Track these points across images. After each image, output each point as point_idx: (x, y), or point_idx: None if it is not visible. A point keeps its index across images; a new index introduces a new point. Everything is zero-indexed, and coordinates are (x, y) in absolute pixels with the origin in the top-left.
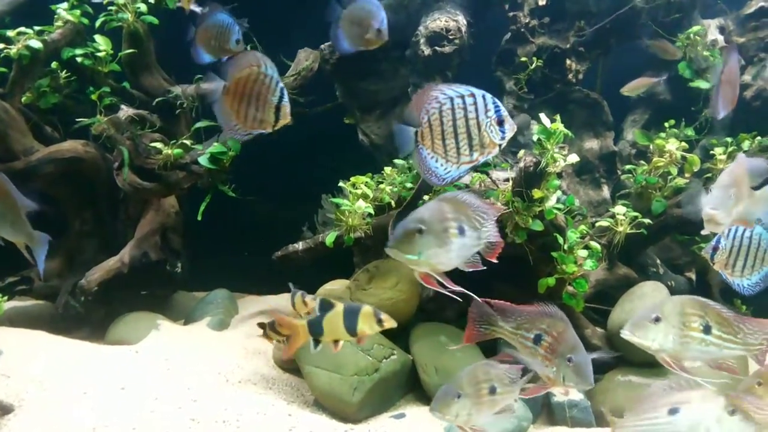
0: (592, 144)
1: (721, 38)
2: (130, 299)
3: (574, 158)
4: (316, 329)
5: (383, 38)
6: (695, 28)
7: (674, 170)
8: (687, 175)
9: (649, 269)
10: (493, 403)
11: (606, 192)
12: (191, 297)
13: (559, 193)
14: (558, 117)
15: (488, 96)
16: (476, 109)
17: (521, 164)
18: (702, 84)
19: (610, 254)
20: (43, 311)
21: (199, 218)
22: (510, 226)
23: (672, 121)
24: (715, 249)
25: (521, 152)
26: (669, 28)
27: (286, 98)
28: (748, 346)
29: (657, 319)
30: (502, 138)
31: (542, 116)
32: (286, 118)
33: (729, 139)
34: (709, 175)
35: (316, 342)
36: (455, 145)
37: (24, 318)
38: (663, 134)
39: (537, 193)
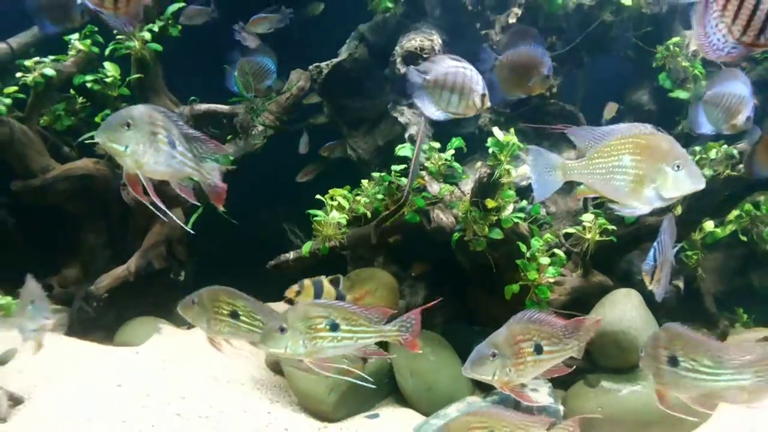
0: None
1: None
2: (137, 305)
3: (524, 170)
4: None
5: (548, 84)
6: (674, 39)
7: None
8: None
9: (634, 277)
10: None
11: (588, 201)
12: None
13: (524, 203)
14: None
15: None
16: None
17: (476, 175)
18: (681, 94)
19: (584, 262)
20: (61, 316)
21: (189, 229)
22: (469, 235)
23: None
24: (654, 266)
25: (478, 164)
26: (649, 39)
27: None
28: (567, 350)
29: (494, 355)
30: None
31: (495, 129)
32: (486, 105)
33: (697, 148)
34: None
35: None
36: None
37: None
38: None
39: (490, 203)
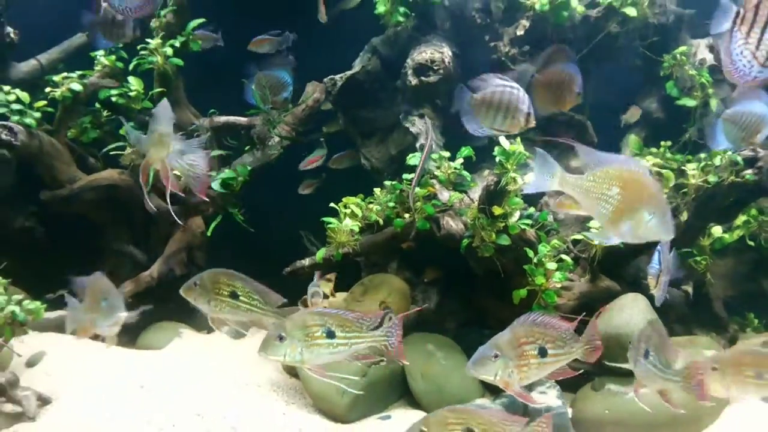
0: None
1: (710, 57)
2: (160, 310)
3: (530, 177)
4: None
5: (579, 100)
6: (681, 49)
7: None
8: (665, 189)
9: (641, 282)
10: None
11: None
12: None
13: (531, 209)
14: (518, 139)
15: None
16: None
17: (483, 183)
18: (688, 102)
19: (591, 267)
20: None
21: (209, 235)
22: (477, 241)
23: (668, 142)
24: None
25: (485, 172)
26: (657, 48)
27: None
28: (572, 353)
29: (496, 356)
30: None
31: (502, 139)
32: (531, 123)
33: (702, 155)
34: (684, 190)
35: None
36: None
37: None
38: (655, 150)
39: (497, 210)
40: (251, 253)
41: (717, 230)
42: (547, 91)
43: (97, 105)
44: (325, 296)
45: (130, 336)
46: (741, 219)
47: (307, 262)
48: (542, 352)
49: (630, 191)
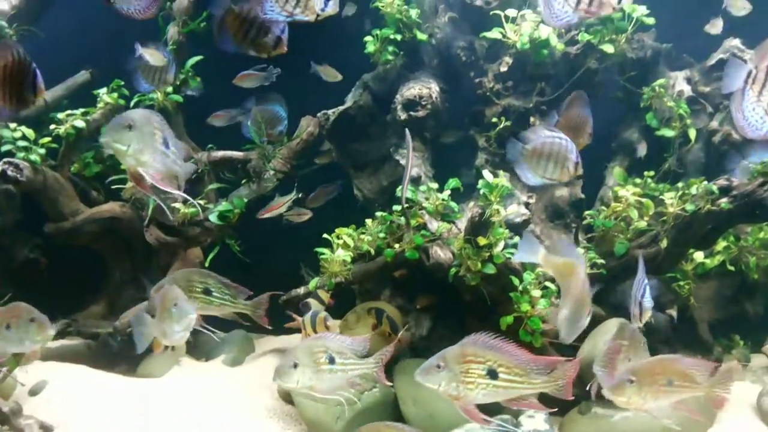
0: (562, 192)
1: (688, 88)
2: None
3: (513, 209)
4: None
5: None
6: (660, 81)
7: (634, 214)
8: (645, 218)
9: (625, 307)
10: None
11: (579, 235)
12: (213, 337)
13: (517, 238)
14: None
15: None
16: None
17: (469, 215)
18: (667, 132)
19: None
20: (87, 349)
21: (207, 265)
22: (464, 270)
23: (651, 172)
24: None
25: (471, 203)
26: (637, 80)
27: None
28: (534, 385)
29: (439, 367)
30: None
31: (485, 172)
32: (579, 171)
33: (680, 184)
34: (663, 218)
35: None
36: None
37: (71, 354)
38: (639, 180)
39: (482, 240)
40: (248, 282)
41: (699, 255)
42: (567, 132)
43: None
44: (322, 302)
45: (130, 364)
46: (721, 245)
47: (302, 290)
48: (492, 374)
49: (566, 279)
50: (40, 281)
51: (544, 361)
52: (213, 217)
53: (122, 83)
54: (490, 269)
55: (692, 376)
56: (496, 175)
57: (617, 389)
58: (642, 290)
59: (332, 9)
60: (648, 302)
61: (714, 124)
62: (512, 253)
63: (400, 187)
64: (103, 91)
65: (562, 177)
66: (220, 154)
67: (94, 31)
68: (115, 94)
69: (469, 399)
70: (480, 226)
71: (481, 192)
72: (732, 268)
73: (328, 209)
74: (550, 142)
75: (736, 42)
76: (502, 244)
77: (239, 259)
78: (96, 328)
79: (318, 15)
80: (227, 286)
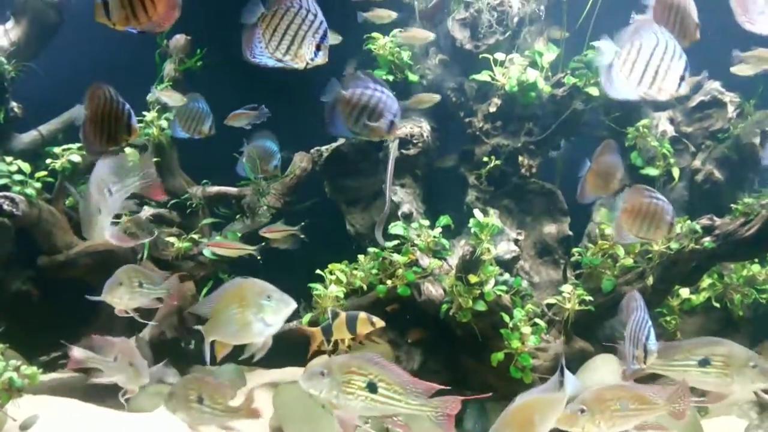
0: (550, 228)
1: (671, 128)
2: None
3: (503, 247)
4: (327, 332)
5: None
6: (644, 122)
7: (621, 251)
8: (632, 255)
9: (616, 342)
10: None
11: (567, 272)
12: (206, 371)
13: (506, 275)
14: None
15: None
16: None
17: (459, 253)
18: (652, 171)
19: (565, 329)
20: (79, 382)
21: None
22: (455, 307)
23: None
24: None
25: (462, 241)
26: (622, 120)
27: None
28: (411, 406)
29: (323, 374)
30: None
31: (476, 211)
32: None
33: None
34: (649, 256)
35: (329, 342)
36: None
37: (63, 388)
38: None
39: (473, 278)
40: None
41: (685, 292)
42: (598, 178)
43: None
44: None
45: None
46: (707, 282)
47: (294, 324)
48: (372, 388)
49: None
50: (32, 314)
51: (425, 386)
52: (206, 252)
53: None
54: (481, 306)
55: (647, 398)
56: (486, 214)
57: (569, 421)
58: (646, 332)
59: (322, 59)
60: (653, 345)
61: (697, 163)
62: (503, 290)
63: (392, 225)
64: None
65: (656, 237)
66: (215, 189)
67: (91, 66)
68: None
69: (348, 408)
70: (471, 264)
71: (472, 231)
72: (717, 305)
73: (323, 244)
74: (647, 203)
75: (716, 85)
76: (492, 282)
77: None
78: None
79: (307, 64)
80: (150, 277)
